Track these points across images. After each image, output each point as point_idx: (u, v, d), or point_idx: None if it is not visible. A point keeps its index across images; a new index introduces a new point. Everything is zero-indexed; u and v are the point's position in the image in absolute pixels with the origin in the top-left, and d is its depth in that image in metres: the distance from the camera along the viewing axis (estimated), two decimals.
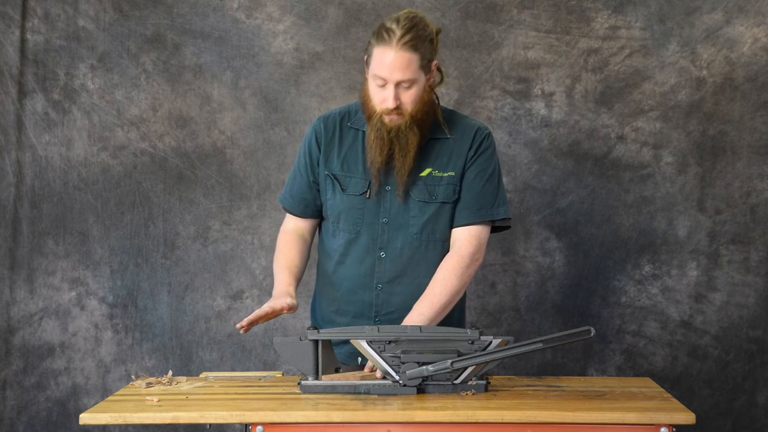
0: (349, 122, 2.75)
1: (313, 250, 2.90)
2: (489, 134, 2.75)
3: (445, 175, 2.70)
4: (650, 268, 3.63)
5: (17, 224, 3.64)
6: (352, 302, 2.72)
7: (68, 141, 3.64)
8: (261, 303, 3.64)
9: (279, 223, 3.59)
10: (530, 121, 3.63)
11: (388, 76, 2.56)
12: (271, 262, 3.63)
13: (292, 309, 2.58)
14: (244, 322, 2.49)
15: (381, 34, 2.56)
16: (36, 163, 3.64)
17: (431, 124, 2.69)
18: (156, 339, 3.66)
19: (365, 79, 2.66)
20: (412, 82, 2.58)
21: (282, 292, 2.64)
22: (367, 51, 2.63)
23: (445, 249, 2.72)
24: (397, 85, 2.57)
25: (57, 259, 3.65)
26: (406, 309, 2.63)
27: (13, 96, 3.63)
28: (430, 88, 2.67)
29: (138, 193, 3.66)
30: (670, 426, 2.14)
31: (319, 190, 2.77)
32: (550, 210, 3.65)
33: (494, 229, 2.77)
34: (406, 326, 2.40)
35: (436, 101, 2.73)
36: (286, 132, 3.65)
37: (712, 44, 3.59)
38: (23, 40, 3.63)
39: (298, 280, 2.75)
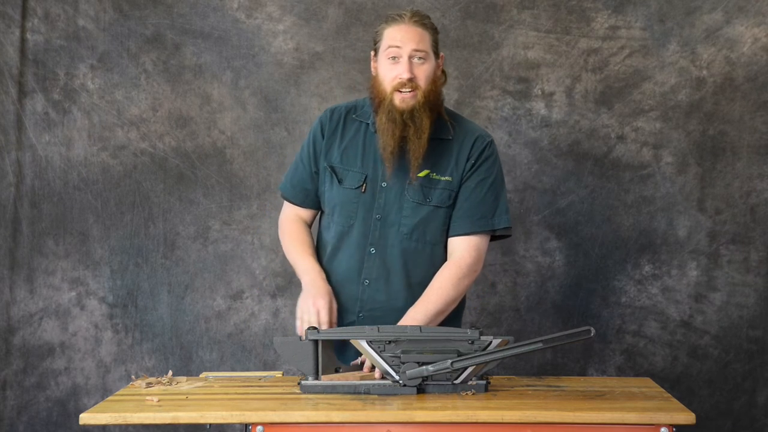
0: (355, 114, 2.77)
1: None
2: (491, 142, 2.75)
3: (443, 179, 2.69)
4: (650, 268, 3.63)
5: (17, 224, 3.64)
6: (338, 294, 2.72)
7: (68, 141, 3.64)
8: (261, 303, 3.65)
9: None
10: (530, 121, 3.63)
11: (403, 45, 2.60)
12: (271, 261, 3.64)
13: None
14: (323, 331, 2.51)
15: (391, 17, 2.66)
16: (36, 163, 3.64)
17: (438, 117, 2.70)
18: (156, 339, 3.66)
19: (373, 68, 2.70)
20: (425, 56, 2.63)
21: (322, 290, 2.65)
22: (375, 41, 2.68)
23: (435, 252, 2.71)
24: (410, 58, 2.61)
25: (57, 259, 3.65)
26: (390, 308, 2.64)
27: (13, 96, 3.63)
28: (438, 76, 2.70)
29: (138, 193, 3.66)
30: (670, 426, 2.14)
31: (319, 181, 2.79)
32: (550, 210, 3.65)
33: (494, 238, 2.77)
34: (406, 326, 2.40)
35: (442, 96, 2.74)
36: (286, 132, 3.65)
37: (712, 44, 3.59)
38: (23, 40, 3.63)
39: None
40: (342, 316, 2.70)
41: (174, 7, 3.64)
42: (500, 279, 3.66)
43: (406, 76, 2.60)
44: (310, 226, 2.86)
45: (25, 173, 3.65)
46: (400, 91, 2.62)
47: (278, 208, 3.61)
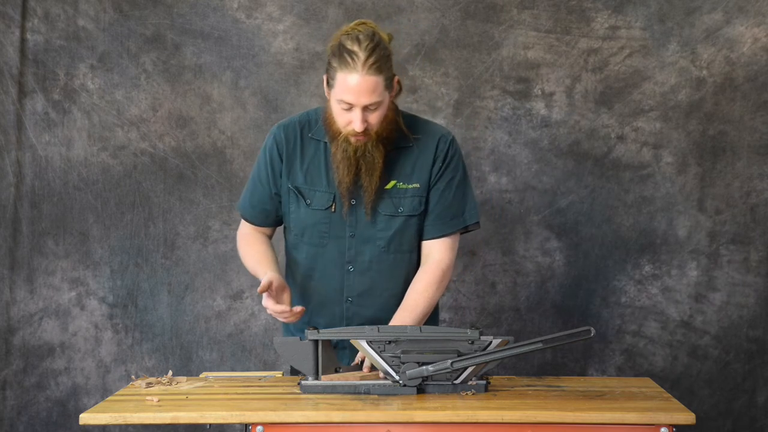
0: (310, 133, 2.69)
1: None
2: (452, 140, 2.70)
3: (410, 186, 2.66)
4: (650, 268, 3.63)
5: (17, 224, 3.64)
6: (322, 314, 2.70)
7: (68, 141, 3.64)
8: (261, 303, 3.64)
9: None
10: (530, 121, 3.63)
11: (355, 101, 2.50)
12: None
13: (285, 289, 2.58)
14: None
15: (344, 58, 2.50)
16: (36, 163, 3.64)
17: (395, 137, 2.63)
18: (156, 339, 3.66)
19: (327, 94, 2.59)
20: (378, 104, 2.53)
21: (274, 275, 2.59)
22: (327, 72, 2.56)
23: (412, 259, 2.71)
24: (364, 108, 2.51)
25: (57, 259, 3.65)
26: (377, 320, 2.63)
27: (13, 96, 3.63)
28: (392, 102, 2.62)
29: (138, 193, 3.66)
30: (670, 426, 2.14)
31: (281, 202, 2.72)
32: (550, 210, 3.65)
33: (463, 231, 2.76)
34: (406, 326, 2.40)
35: (397, 110, 2.66)
36: None
37: (712, 44, 3.59)
38: (23, 40, 3.63)
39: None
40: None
41: (174, 7, 3.64)
42: (500, 279, 3.66)
43: (359, 128, 2.52)
44: (270, 237, 2.82)
45: (25, 173, 3.65)
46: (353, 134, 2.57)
47: None
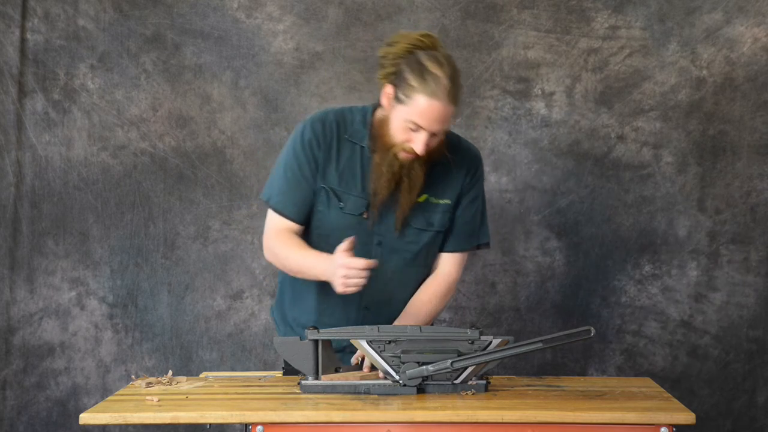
0: (347, 134, 2.60)
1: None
2: (482, 159, 2.71)
3: (441, 202, 2.64)
4: (650, 268, 3.63)
5: (17, 224, 3.64)
6: (336, 317, 2.65)
7: (68, 141, 3.64)
8: (261, 303, 3.65)
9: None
10: (530, 120, 3.63)
11: (428, 126, 2.44)
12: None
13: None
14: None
15: (426, 81, 2.41)
16: (36, 163, 3.64)
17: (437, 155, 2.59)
18: (156, 339, 3.66)
19: (387, 102, 2.50)
20: (443, 131, 2.49)
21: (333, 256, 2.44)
22: (397, 85, 2.46)
23: (429, 271, 2.70)
24: (431, 135, 2.46)
25: (57, 259, 3.65)
26: None
27: (13, 96, 3.63)
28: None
29: (138, 193, 3.66)
30: (670, 426, 2.14)
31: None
32: (550, 210, 3.65)
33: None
34: (406, 326, 2.40)
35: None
36: (286, 132, 3.65)
37: (712, 44, 3.59)
38: (23, 40, 3.63)
39: None
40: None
41: (174, 7, 3.64)
42: (500, 279, 3.66)
43: (421, 152, 2.47)
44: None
45: (25, 173, 3.65)
46: (406, 150, 2.51)
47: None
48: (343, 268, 2.39)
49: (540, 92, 3.63)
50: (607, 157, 3.63)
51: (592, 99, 3.62)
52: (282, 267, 2.65)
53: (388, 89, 2.49)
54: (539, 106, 3.63)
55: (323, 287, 2.60)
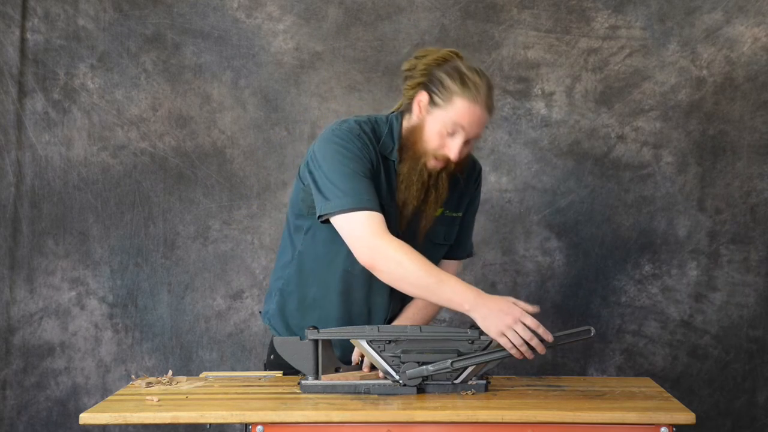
0: (378, 146, 2.54)
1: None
2: (482, 168, 2.75)
3: (455, 215, 2.65)
4: (650, 268, 3.63)
5: (17, 224, 3.64)
6: (345, 323, 2.61)
7: (68, 141, 3.64)
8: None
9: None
10: (530, 120, 3.63)
11: (469, 129, 2.44)
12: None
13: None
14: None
15: (467, 85, 2.42)
16: (36, 162, 3.64)
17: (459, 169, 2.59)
18: (156, 339, 3.66)
19: (420, 110, 2.48)
20: (477, 140, 2.52)
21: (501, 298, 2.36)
22: (434, 91, 2.45)
23: None
24: (466, 141, 2.46)
25: (57, 258, 3.65)
26: None
27: (13, 96, 3.63)
28: None
29: (138, 193, 3.66)
30: (670, 426, 2.14)
31: None
32: (550, 210, 3.65)
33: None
34: (406, 326, 2.40)
35: None
36: (286, 132, 3.65)
37: (712, 44, 3.59)
38: (23, 40, 3.63)
39: None
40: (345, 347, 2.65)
41: (174, 7, 3.64)
42: (500, 279, 3.66)
43: (455, 157, 2.46)
44: None
45: (25, 173, 3.65)
46: (437, 158, 2.50)
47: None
48: (518, 309, 2.30)
49: (540, 92, 3.63)
50: (607, 157, 3.63)
51: (592, 99, 3.62)
52: (400, 277, 2.40)
53: (422, 96, 2.48)
54: (539, 106, 3.63)
55: (348, 298, 2.59)
